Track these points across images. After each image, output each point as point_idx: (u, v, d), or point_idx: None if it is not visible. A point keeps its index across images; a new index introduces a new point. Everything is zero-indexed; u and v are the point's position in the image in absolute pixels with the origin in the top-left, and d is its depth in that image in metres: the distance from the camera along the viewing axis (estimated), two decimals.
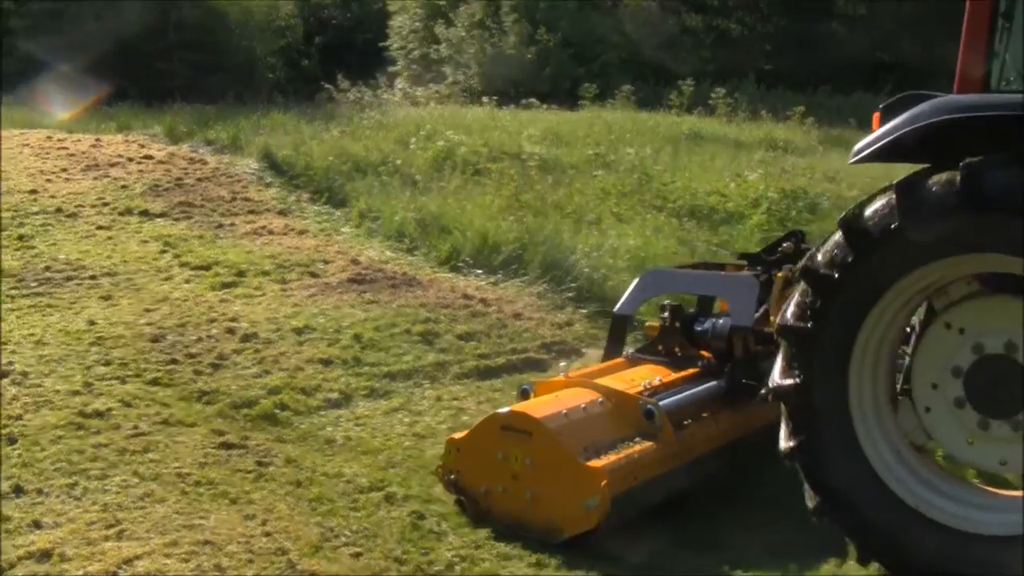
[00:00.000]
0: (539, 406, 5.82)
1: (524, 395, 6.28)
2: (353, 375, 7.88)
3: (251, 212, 12.97)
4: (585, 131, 18.00)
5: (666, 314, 6.87)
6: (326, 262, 10.80)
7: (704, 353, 6.72)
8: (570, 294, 9.76)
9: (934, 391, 4.98)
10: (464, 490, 5.79)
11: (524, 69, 27.43)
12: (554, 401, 5.90)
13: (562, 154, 15.87)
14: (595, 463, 5.43)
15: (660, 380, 6.34)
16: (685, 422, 6.02)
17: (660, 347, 6.90)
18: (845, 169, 15.97)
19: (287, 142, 15.85)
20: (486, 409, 7.32)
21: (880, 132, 5.04)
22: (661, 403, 5.90)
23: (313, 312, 9.16)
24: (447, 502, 5.85)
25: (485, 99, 22.78)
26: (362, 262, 10.85)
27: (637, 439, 5.74)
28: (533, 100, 22.06)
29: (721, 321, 6.75)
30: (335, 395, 7.53)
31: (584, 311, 9.49)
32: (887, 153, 5.00)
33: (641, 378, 6.37)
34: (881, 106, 5.21)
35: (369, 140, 16.38)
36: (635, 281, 7.21)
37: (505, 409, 5.82)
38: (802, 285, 5.06)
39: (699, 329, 6.81)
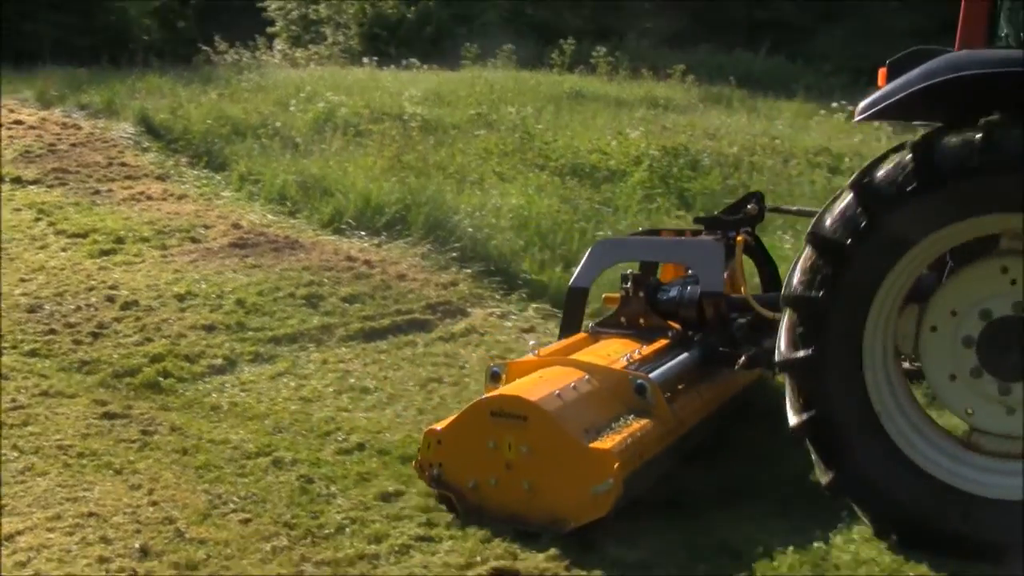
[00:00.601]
0: (529, 388, 5.36)
1: (495, 377, 5.85)
2: (237, 340, 7.81)
3: (128, 178, 12.70)
4: (467, 91, 17.97)
5: (628, 284, 6.58)
6: (207, 227, 10.65)
7: (671, 323, 6.50)
8: (454, 254, 9.78)
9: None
10: (449, 485, 5.31)
11: (405, 29, 27.21)
12: (541, 381, 5.46)
13: (444, 114, 15.83)
14: (601, 445, 5.05)
15: (639, 353, 6.06)
16: (666, 395, 5.68)
17: (623, 319, 6.61)
18: (726, 126, 16.30)
19: (164, 106, 15.52)
20: (372, 371, 7.35)
21: (890, 88, 4.91)
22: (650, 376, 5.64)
23: (195, 278, 9.04)
24: (335, 464, 5.85)
25: (365, 60, 22.59)
26: (244, 226, 10.72)
27: (631, 416, 5.41)
28: (414, 60, 21.92)
29: (689, 288, 6.53)
30: (219, 361, 7.45)
31: (468, 271, 9.52)
32: (897, 110, 4.92)
33: (615, 352, 6.08)
34: (888, 62, 5.11)
35: (248, 103, 16.12)
36: (587, 252, 6.91)
37: (493, 393, 5.41)
38: (808, 251, 4.90)
39: (665, 298, 6.58)
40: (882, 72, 5.10)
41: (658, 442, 5.40)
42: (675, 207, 11.44)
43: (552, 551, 4.86)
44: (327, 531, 5.11)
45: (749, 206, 7.19)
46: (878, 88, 5.04)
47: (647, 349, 6.16)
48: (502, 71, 20.96)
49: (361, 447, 6.11)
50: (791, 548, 4.92)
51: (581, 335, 6.56)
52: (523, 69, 21.45)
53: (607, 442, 5.08)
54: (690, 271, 6.78)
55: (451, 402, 6.83)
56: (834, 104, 17.47)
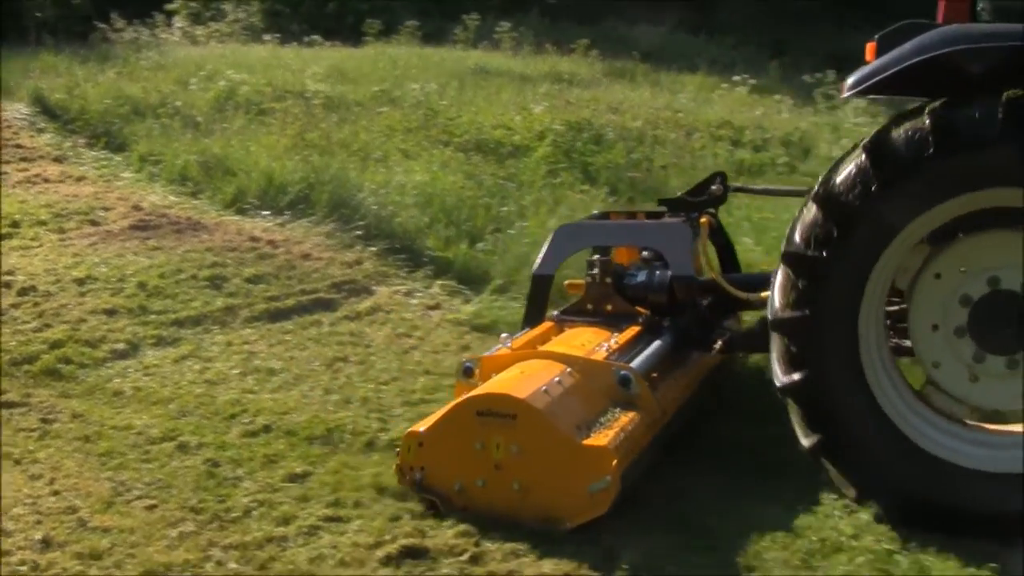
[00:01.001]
0: (514, 384, 5.16)
1: (468, 373, 5.66)
2: (139, 324, 7.71)
3: (24, 160, 12.43)
4: (370, 68, 17.83)
5: (595, 270, 6.40)
6: (106, 209, 10.47)
7: (639, 308, 6.37)
8: (359, 232, 9.73)
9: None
10: (433, 490, 5.09)
11: (307, 5, 26.89)
12: (524, 377, 5.25)
13: (347, 91, 15.70)
14: (596, 442, 4.91)
15: (616, 342, 5.87)
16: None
17: (589, 305, 6.42)
18: (629, 100, 16.38)
19: (60, 85, 15.19)
20: (278, 352, 7.31)
21: (882, 62, 4.89)
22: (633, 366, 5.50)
23: (95, 261, 8.89)
24: (241, 447, 5.82)
25: (267, 37, 22.29)
26: (144, 208, 10.56)
27: (617, 410, 5.28)
28: (316, 37, 21.68)
29: (658, 273, 6.42)
30: (121, 346, 7.35)
31: (373, 249, 9.48)
32: (890, 84, 4.86)
33: (588, 342, 5.90)
34: (877, 36, 5.05)
35: (147, 81, 15.83)
36: (549, 238, 6.64)
37: (479, 391, 5.16)
38: (813, 211, 4.88)
39: (633, 283, 6.44)
40: (871, 46, 5.05)
41: (646, 434, 5.27)
42: (579, 181, 11.49)
43: (462, 527, 4.88)
44: (234, 515, 5.08)
45: (713, 187, 7.03)
46: (867, 63, 5.02)
47: (621, 337, 5.96)
48: (405, 47, 20.83)
49: (267, 429, 6.08)
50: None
51: (547, 324, 6.37)
52: (427, 45, 21.35)
53: (601, 438, 4.95)
54: (644, 253, 6.69)
55: (357, 381, 6.83)
56: (736, 77, 17.69)
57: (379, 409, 6.41)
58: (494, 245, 9.39)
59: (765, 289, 6.09)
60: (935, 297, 5.04)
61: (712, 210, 7.08)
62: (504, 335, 6.19)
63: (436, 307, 8.47)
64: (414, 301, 8.57)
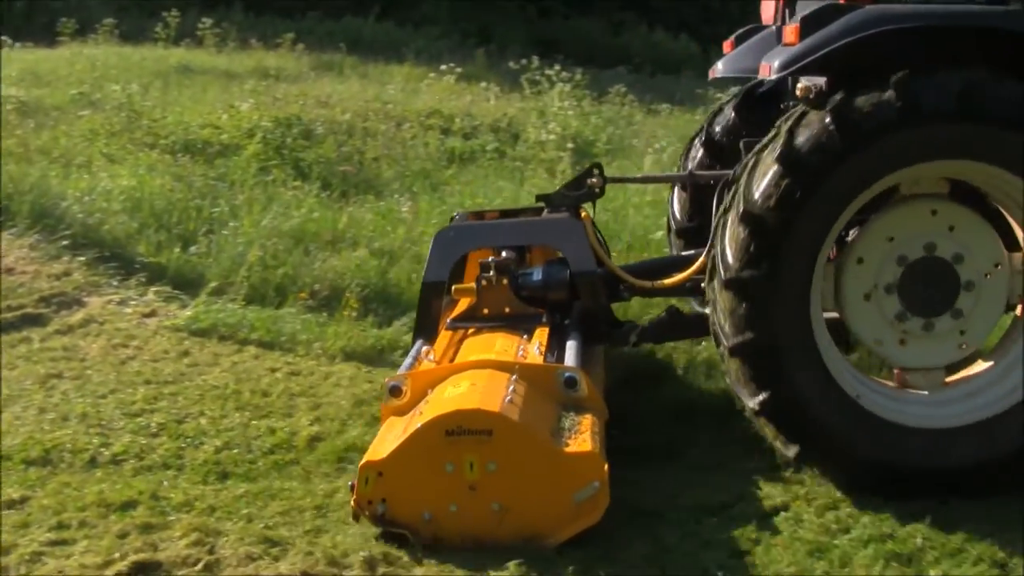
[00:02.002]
0: (479, 397, 4.81)
1: (396, 392, 5.28)
2: None
3: None
4: (67, 69, 17.09)
5: (491, 272, 6.15)
6: None
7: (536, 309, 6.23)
8: (65, 242, 9.32)
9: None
10: (397, 522, 4.73)
11: None
12: (481, 389, 4.90)
13: (43, 95, 15.01)
14: (579, 447, 4.72)
15: (540, 345, 5.68)
16: None
17: (485, 310, 6.20)
18: (338, 93, 16.38)
19: None
20: None
21: (810, 44, 5.02)
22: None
23: None
24: None
25: None
26: None
27: (572, 413, 5.09)
28: (6, 38, 20.56)
29: (554, 269, 6.28)
30: None
31: (82, 258, 9.10)
32: (819, 65, 5.03)
33: (503, 347, 5.70)
34: (800, 18, 5.17)
35: None
36: (432, 243, 6.35)
37: (447, 410, 4.73)
38: (775, 171, 4.97)
39: (530, 282, 6.26)
40: (794, 28, 5.17)
41: (604, 434, 5.08)
42: (291, 178, 11.42)
43: (193, 536, 4.80)
44: None
45: (592, 179, 6.83)
46: (788, 45, 5.22)
47: (534, 339, 5.80)
48: (104, 47, 20.06)
49: None
50: None
51: (445, 333, 6.20)
52: (126, 44, 20.63)
53: (582, 443, 4.76)
54: (504, 254, 6.41)
55: (74, 396, 6.61)
56: (443, 66, 17.95)
57: (99, 424, 6.23)
58: (208, 247, 9.23)
59: (662, 276, 6.43)
60: (874, 254, 5.33)
61: (592, 203, 6.96)
62: (427, 347, 5.94)
63: (152, 314, 8.26)
64: (128, 310, 8.33)
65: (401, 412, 5.22)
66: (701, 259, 6.09)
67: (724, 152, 7.16)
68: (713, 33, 29.65)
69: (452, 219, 7.10)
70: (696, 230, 7.21)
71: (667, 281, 6.38)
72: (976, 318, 5.38)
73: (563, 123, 14.76)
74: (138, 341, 7.68)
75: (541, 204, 6.91)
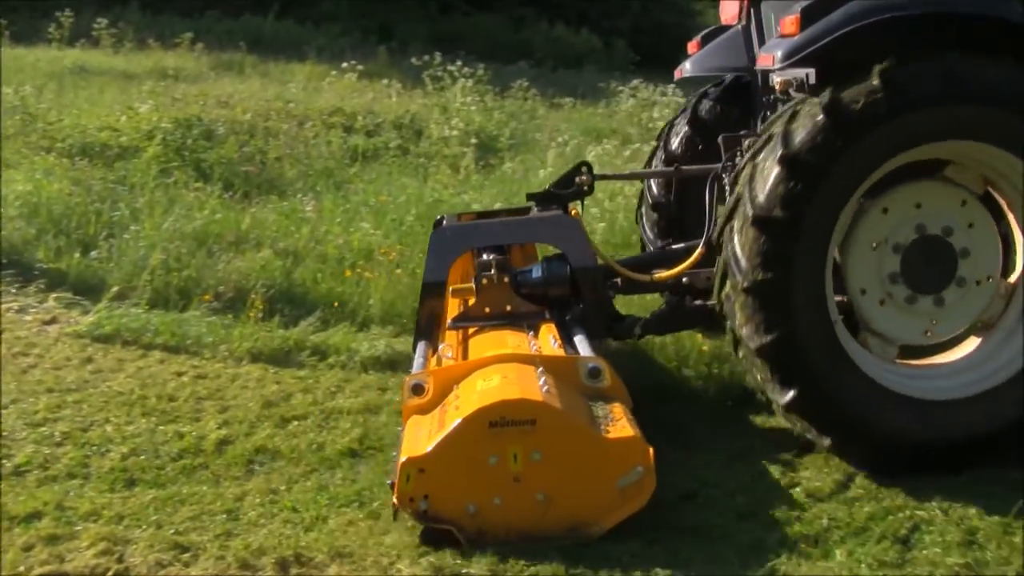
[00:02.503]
0: (517, 387, 4.82)
1: (418, 390, 5.22)
2: None
3: None
4: None
5: (492, 271, 6.15)
6: None
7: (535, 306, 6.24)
8: None
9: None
10: (441, 518, 4.65)
11: None
12: (515, 380, 4.92)
13: None
14: (622, 433, 4.74)
15: (555, 338, 5.74)
16: None
17: (487, 309, 6.17)
18: (239, 92, 16.23)
19: None
20: None
21: (812, 33, 5.23)
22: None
23: None
24: None
25: None
26: None
27: (600, 402, 5.11)
28: None
29: (554, 266, 6.33)
30: None
31: None
32: (821, 54, 5.20)
33: (519, 343, 5.70)
34: (801, 9, 5.32)
35: None
36: (429, 245, 6.37)
37: (490, 402, 4.70)
38: (776, 173, 5.09)
39: (531, 279, 6.31)
40: (794, 19, 5.33)
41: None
42: (193, 179, 11.30)
43: (101, 545, 4.73)
44: None
45: (580, 177, 6.88)
46: (786, 36, 5.39)
47: (543, 335, 5.88)
48: None
49: None
50: None
51: (450, 333, 6.16)
52: (18, 45, 20.19)
53: (622, 429, 4.78)
54: (483, 255, 6.46)
55: None
56: (345, 64, 17.87)
57: (0, 435, 6.11)
58: (108, 252, 9.10)
59: (658, 269, 6.56)
60: (883, 224, 5.50)
61: (580, 201, 7.04)
62: (443, 344, 5.92)
63: (53, 321, 8.13)
64: (28, 317, 8.18)
65: (424, 410, 5.18)
66: (697, 252, 6.34)
67: (705, 147, 7.30)
68: (613, 26, 30.02)
69: (439, 222, 7.05)
70: (673, 208, 7.46)
71: (664, 274, 6.51)
72: (951, 314, 5.59)
73: (466, 119, 14.81)
74: (39, 349, 7.55)
75: (530, 204, 7.00)
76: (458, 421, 4.67)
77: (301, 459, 5.78)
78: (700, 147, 7.38)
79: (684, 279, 6.45)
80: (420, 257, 8.94)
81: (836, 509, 5.04)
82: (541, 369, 5.09)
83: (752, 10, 6.96)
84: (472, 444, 4.63)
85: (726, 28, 7.36)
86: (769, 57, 5.54)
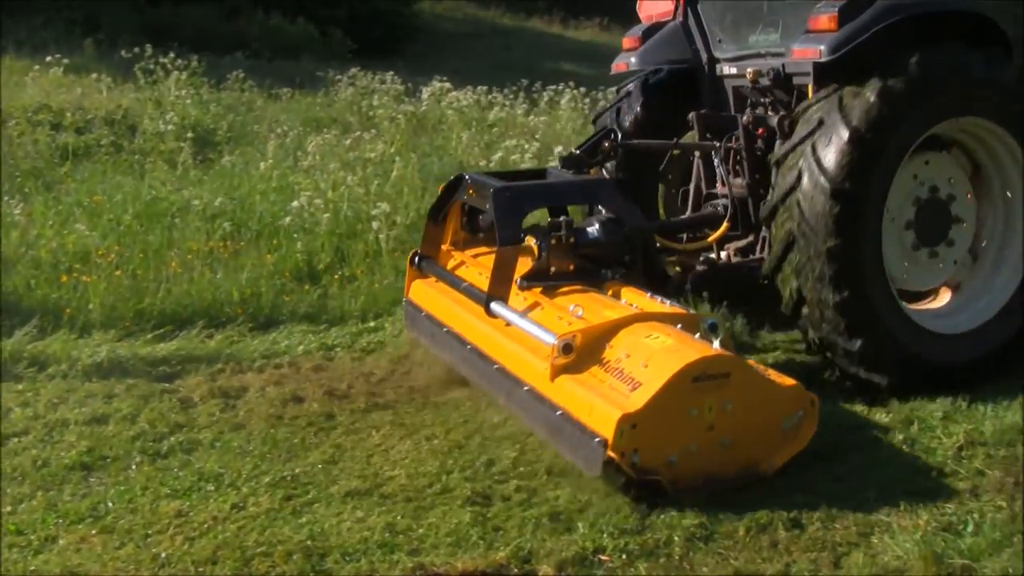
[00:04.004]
0: (699, 344, 5.28)
1: (568, 349, 5.40)
2: None
3: None
4: None
5: (561, 231, 6.36)
6: None
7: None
8: None
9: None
10: (648, 469, 4.96)
11: None
12: (686, 337, 5.37)
13: None
14: (783, 381, 5.32)
15: (651, 296, 6.07)
16: None
17: (553, 268, 6.37)
18: None
19: None
20: None
21: (852, 29, 6.19)
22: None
23: None
24: None
25: None
26: None
27: None
28: None
29: (609, 226, 6.51)
30: None
31: None
32: (860, 48, 6.16)
33: (620, 301, 6.06)
34: (838, 9, 6.23)
35: None
36: (493, 204, 6.37)
37: (694, 358, 5.05)
38: (841, 146, 6.02)
39: (589, 240, 6.48)
40: (831, 16, 6.24)
41: None
42: None
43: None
44: None
45: (607, 143, 7.45)
46: (828, 31, 6.26)
47: (629, 293, 6.16)
48: None
49: None
50: None
51: (535, 291, 6.29)
52: None
53: (783, 377, 5.35)
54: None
55: None
56: (49, 58, 16.99)
57: None
58: None
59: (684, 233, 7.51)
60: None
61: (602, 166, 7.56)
62: (574, 306, 5.97)
63: None
64: None
65: (570, 368, 5.41)
66: (725, 224, 7.16)
67: (655, 128, 7.90)
68: (329, 15, 29.78)
69: (460, 178, 7.19)
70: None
71: (695, 244, 7.32)
72: (929, 267, 6.73)
73: (181, 112, 14.42)
74: None
75: (544, 168, 7.50)
76: (667, 377, 4.99)
77: (25, 477, 5.53)
78: (650, 128, 7.93)
79: (716, 247, 7.29)
80: (140, 258, 8.72)
81: (577, 485, 5.23)
82: (679, 326, 5.52)
83: (688, 9, 7.87)
84: (678, 398, 4.99)
85: (661, 25, 8.05)
86: (814, 51, 6.32)
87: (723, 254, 7.35)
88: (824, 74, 6.42)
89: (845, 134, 6.06)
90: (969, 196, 6.78)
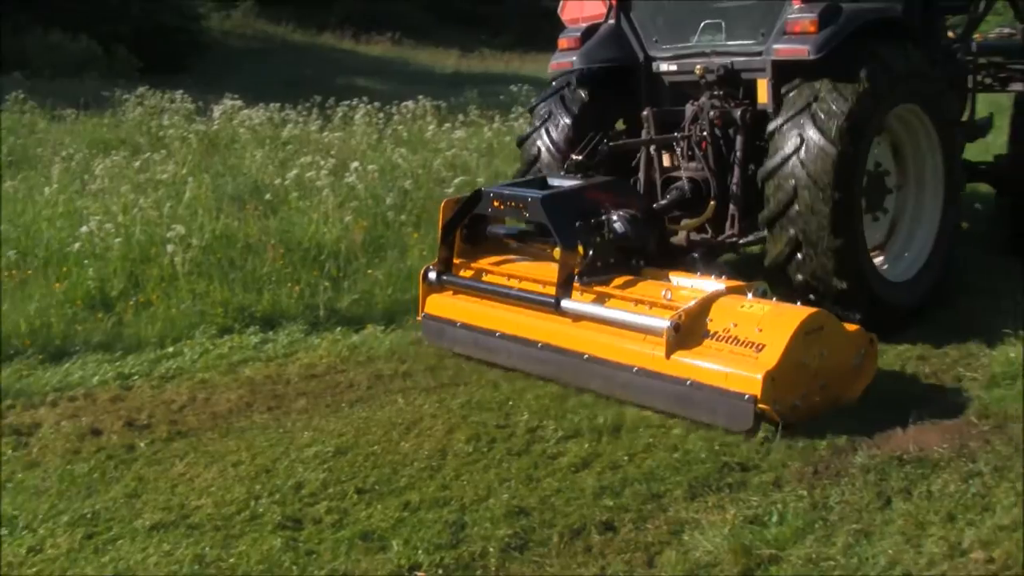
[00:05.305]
0: (792, 306, 6.34)
1: (678, 328, 6.21)
2: None
3: None
4: None
5: (604, 229, 6.99)
6: None
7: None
8: None
9: None
10: (784, 415, 5.88)
11: None
12: (768, 304, 6.35)
13: None
14: (850, 327, 6.35)
15: (691, 276, 7.02)
16: None
17: (599, 263, 6.97)
18: None
19: None
20: None
21: (832, 32, 7.27)
22: None
23: None
24: None
25: None
26: None
27: None
28: None
29: (634, 222, 7.06)
30: None
31: None
32: (840, 45, 7.25)
33: (676, 285, 6.79)
34: (818, 14, 7.29)
35: None
36: (545, 214, 6.97)
37: (805, 316, 6.07)
38: (844, 119, 7.13)
39: (621, 235, 7.03)
40: (812, 20, 7.30)
41: None
42: None
43: None
44: None
45: (601, 147, 7.78)
46: (810, 33, 7.31)
47: (675, 276, 7.00)
48: None
49: None
50: None
51: (583, 286, 6.90)
52: None
53: (846, 324, 6.36)
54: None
55: None
56: None
57: None
58: None
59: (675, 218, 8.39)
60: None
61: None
62: (664, 291, 6.61)
63: None
64: None
65: (683, 345, 6.22)
66: (712, 206, 8.05)
67: (593, 120, 8.55)
68: (114, 31, 28.90)
69: (479, 193, 7.55)
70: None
71: (689, 222, 8.20)
72: (873, 228, 7.80)
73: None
74: None
75: (543, 176, 7.96)
76: (789, 335, 5.94)
77: None
78: (588, 122, 8.52)
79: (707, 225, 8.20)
80: None
81: (388, 503, 5.23)
82: (750, 296, 6.46)
83: (621, 13, 8.75)
84: (797, 352, 5.94)
85: (597, 26, 8.84)
86: (801, 50, 7.31)
87: (691, 233, 8.26)
88: (801, 70, 7.44)
89: (845, 107, 7.16)
90: (897, 172, 8.03)
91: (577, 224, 7.02)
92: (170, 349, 7.93)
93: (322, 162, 11.95)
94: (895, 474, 5.37)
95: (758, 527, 4.87)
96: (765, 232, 7.52)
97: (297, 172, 11.69)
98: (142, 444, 6.17)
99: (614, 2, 8.81)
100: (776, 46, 7.55)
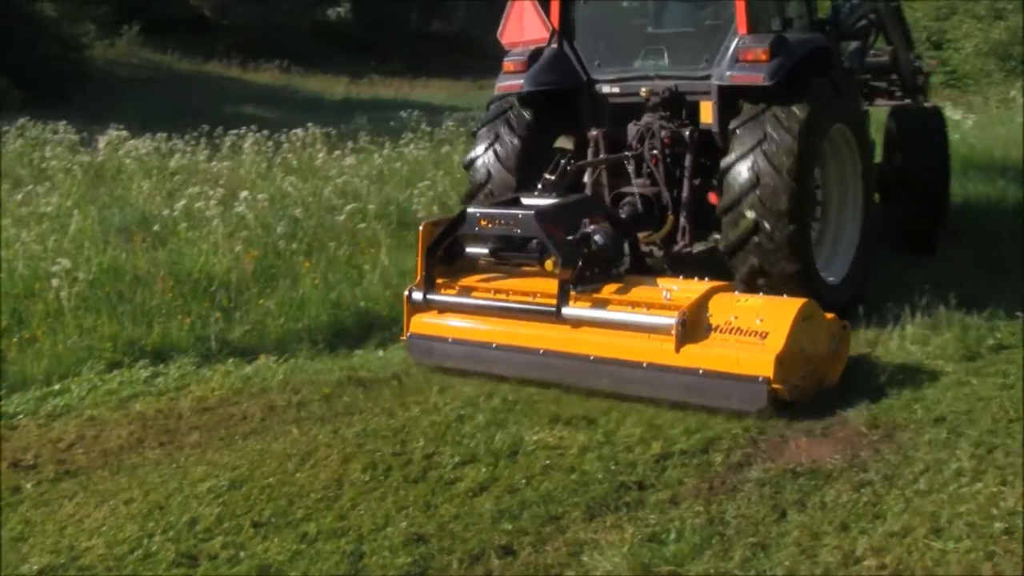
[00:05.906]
0: (784, 297, 7.01)
1: (685, 324, 6.73)
2: None
3: None
4: None
5: (590, 243, 7.37)
6: None
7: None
8: None
9: None
10: (790, 391, 6.52)
11: None
12: (760, 296, 7.20)
13: None
14: (829, 315, 7.01)
15: (672, 277, 7.72)
16: None
17: (588, 273, 7.31)
18: None
19: None
20: None
21: (782, 60, 7.91)
22: None
23: None
24: None
25: None
26: None
27: None
28: None
29: (611, 233, 7.47)
30: None
31: None
32: (790, 71, 7.94)
33: (669, 285, 7.27)
34: (768, 44, 7.93)
35: None
36: (540, 229, 7.32)
37: (801, 303, 6.73)
38: (802, 123, 7.85)
39: (603, 246, 7.40)
40: (764, 50, 7.90)
41: None
42: None
43: None
44: None
45: (569, 168, 8.27)
46: (762, 61, 7.95)
47: (661, 279, 7.54)
48: None
49: None
50: None
51: (592, 295, 7.30)
52: None
53: (826, 313, 6.95)
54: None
55: None
56: None
57: None
58: None
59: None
60: None
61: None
62: (666, 292, 7.10)
63: None
64: None
65: (690, 338, 6.74)
66: (670, 219, 8.63)
67: (539, 140, 9.14)
68: None
69: (464, 214, 7.81)
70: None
71: (650, 236, 8.67)
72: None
73: None
74: None
75: (517, 196, 8.28)
76: (791, 321, 6.58)
77: None
78: (532, 143, 9.05)
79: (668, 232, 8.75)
80: None
81: (285, 535, 5.18)
82: (738, 291, 7.29)
83: (564, 38, 9.20)
84: (797, 336, 6.56)
85: (541, 50, 9.17)
86: (755, 77, 7.89)
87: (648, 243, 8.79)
88: (746, 94, 8.07)
89: (794, 142, 7.78)
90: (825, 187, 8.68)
91: (569, 238, 7.39)
92: (57, 386, 7.72)
93: (211, 192, 11.78)
94: (789, 487, 5.50)
95: (656, 545, 4.93)
96: (714, 243, 8.30)
97: (185, 202, 11.50)
98: (28, 485, 6.02)
99: (556, 28, 9.23)
100: (730, 72, 8.14)
